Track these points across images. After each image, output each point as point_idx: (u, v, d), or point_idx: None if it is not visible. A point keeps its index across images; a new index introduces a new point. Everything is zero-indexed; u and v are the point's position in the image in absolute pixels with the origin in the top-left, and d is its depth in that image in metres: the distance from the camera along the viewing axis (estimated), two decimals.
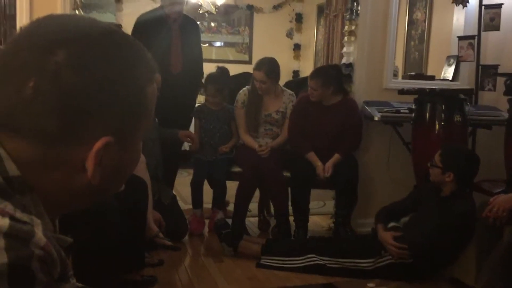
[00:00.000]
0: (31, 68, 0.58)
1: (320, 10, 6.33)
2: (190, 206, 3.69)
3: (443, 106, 3.08)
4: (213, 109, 3.53)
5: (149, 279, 2.52)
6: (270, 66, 3.42)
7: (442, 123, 3.08)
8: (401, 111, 3.39)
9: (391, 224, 2.79)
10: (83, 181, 0.62)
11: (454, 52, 3.87)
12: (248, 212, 3.45)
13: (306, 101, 3.35)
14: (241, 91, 3.55)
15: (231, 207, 3.50)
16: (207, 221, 3.47)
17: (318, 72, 3.37)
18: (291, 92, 3.55)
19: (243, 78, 3.95)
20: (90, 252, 2.10)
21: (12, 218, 0.54)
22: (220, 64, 3.89)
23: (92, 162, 0.60)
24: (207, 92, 3.53)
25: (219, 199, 3.46)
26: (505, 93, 3.08)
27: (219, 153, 3.47)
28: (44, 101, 0.57)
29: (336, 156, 3.24)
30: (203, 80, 3.72)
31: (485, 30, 3.59)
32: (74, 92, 0.58)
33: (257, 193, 3.51)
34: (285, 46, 6.72)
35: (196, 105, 3.78)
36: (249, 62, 6.57)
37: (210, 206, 3.50)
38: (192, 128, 3.72)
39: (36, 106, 0.58)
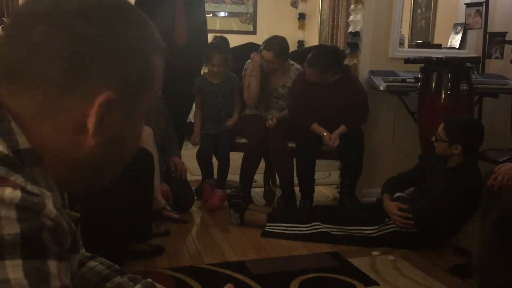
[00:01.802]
0: (42, 15, 0.60)
1: None
2: (196, 177, 3.73)
3: (449, 75, 3.05)
4: (215, 83, 3.44)
5: (157, 249, 2.57)
6: (280, 48, 3.36)
7: (448, 92, 3.05)
8: (407, 80, 3.36)
9: (397, 194, 2.81)
10: (86, 144, 0.63)
11: (462, 19, 3.81)
12: (253, 183, 3.48)
13: (305, 79, 3.28)
14: (250, 60, 3.49)
15: (233, 178, 3.52)
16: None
17: (316, 59, 3.19)
18: (298, 67, 3.49)
19: (247, 48, 3.92)
20: (99, 223, 2.13)
21: (23, 190, 0.54)
22: (224, 35, 3.84)
23: (93, 117, 0.61)
24: (213, 61, 3.38)
25: (222, 175, 3.42)
26: None
27: (224, 126, 3.45)
28: (52, 45, 0.59)
29: (342, 127, 3.23)
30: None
31: None
32: (81, 39, 0.60)
33: (262, 163, 3.53)
34: (290, 15, 6.64)
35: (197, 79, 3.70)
36: (253, 32, 6.50)
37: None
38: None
39: (43, 49, 0.59)
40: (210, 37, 3.76)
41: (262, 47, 3.41)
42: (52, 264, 0.53)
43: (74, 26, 0.60)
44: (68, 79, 0.60)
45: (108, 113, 0.62)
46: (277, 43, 3.37)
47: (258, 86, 3.42)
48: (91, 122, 0.61)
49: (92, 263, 0.93)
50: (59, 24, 0.59)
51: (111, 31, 0.62)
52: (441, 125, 2.71)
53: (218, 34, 3.68)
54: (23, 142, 0.59)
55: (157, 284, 0.95)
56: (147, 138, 2.81)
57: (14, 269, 0.51)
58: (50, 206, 0.55)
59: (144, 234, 2.58)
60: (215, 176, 3.44)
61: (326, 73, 3.20)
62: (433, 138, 2.73)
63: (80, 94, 0.61)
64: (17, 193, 0.53)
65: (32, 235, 0.53)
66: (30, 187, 0.56)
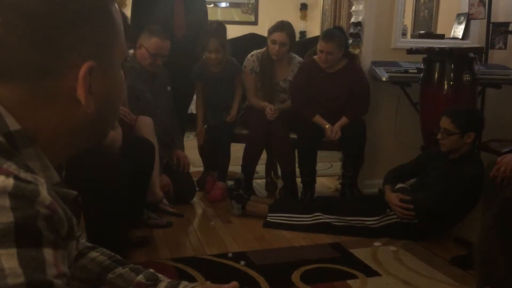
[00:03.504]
0: None
1: None
2: (198, 169, 3.72)
3: (452, 65, 3.03)
4: (214, 72, 3.35)
5: (142, 240, 2.54)
6: (290, 28, 3.37)
7: (451, 83, 3.03)
8: (410, 71, 3.34)
9: (399, 186, 2.80)
10: (79, 113, 0.63)
11: (465, 9, 3.79)
12: (255, 174, 3.47)
13: (310, 68, 3.27)
14: (249, 56, 3.47)
15: (234, 169, 3.52)
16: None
17: (331, 34, 3.20)
18: (300, 60, 3.47)
19: (248, 39, 3.89)
20: (100, 210, 2.14)
21: (16, 177, 0.54)
22: (226, 25, 3.80)
23: (82, 90, 0.61)
24: (210, 47, 3.23)
25: (223, 167, 3.40)
26: None
27: (224, 117, 3.43)
28: (16, 35, 0.58)
29: (343, 119, 3.22)
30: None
31: None
32: (43, 20, 0.59)
33: (264, 155, 3.52)
34: (292, 6, 6.60)
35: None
36: (254, 23, 6.47)
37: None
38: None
39: (8, 42, 0.58)
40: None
41: (271, 31, 3.35)
42: (48, 252, 0.53)
43: (28, 8, 0.58)
44: (44, 62, 0.59)
45: (92, 79, 0.62)
46: (286, 24, 3.36)
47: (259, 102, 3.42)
48: (81, 94, 0.61)
49: (93, 254, 0.92)
50: (14, 11, 0.58)
51: (67, 1, 0.60)
52: (445, 120, 2.65)
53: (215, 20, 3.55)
54: (12, 123, 0.59)
55: (159, 274, 0.95)
56: (148, 129, 2.80)
57: (9, 258, 0.50)
58: (44, 193, 0.54)
59: (136, 222, 2.58)
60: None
61: (342, 49, 3.19)
62: (440, 136, 2.66)
63: (61, 71, 0.60)
64: (10, 181, 0.53)
65: (27, 224, 0.52)
66: (23, 174, 0.55)
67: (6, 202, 0.52)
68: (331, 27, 5.18)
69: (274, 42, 3.33)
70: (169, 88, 3.21)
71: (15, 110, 0.60)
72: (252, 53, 3.48)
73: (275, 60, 3.39)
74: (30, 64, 0.59)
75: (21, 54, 0.58)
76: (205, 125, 3.50)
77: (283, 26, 3.34)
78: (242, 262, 2.34)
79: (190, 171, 3.40)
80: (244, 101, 3.56)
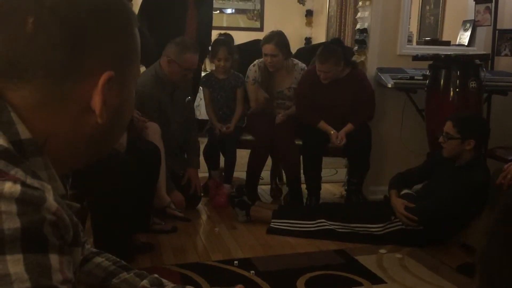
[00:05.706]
0: (28, 6, 0.59)
1: None
2: (203, 174, 3.73)
3: (458, 72, 3.03)
4: (220, 79, 3.45)
5: (147, 245, 2.54)
6: (279, 38, 3.32)
7: (457, 90, 3.03)
8: (415, 77, 3.34)
9: (404, 191, 2.79)
10: (90, 123, 0.63)
11: (471, 16, 3.78)
12: (260, 180, 3.47)
13: (313, 76, 3.25)
14: (251, 66, 3.48)
15: (239, 175, 3.52)
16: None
17: (326, 54, 3.14)
18: (303, 66, 3.46)
19: (254, 45, 3.90)
20: (107, 218, 2.15)
21: (23, 184, 0.54)
22: (231, 32, 3.84)
23: (99, 97, 0.62)
24: (219, 55, 3.37)
25: (229, 170, 3.43)
26: None
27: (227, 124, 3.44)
28: (46, 34, 0.59)
29: (349, 125, 3.21)
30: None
31: None
32: (74, 23, 0.60)
33: (269, 161, 3.52)
34: (297, 12, 6.62)
35: (203, 73, 3.68)
36: (260, 29, 6.48)
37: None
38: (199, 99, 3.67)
39: (38, 40, 0.59)
40: (216, 34, 3.73)
41: (261, 43, 3.36)
42: (54, 258, 0.53)
43: (62, 11, 0.60)
44: (68, 65, 0.60)
45: (108, 92, 0.63)
46: (274, 35, 3.34)
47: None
48: (97, 103, 0.62)
49: (98, 259, 0.93)
50: (47, 13, 0.59)
51: (98, 10, 0.62)
52: (448, 124, 2.66)
53: (223, 31, 3.65)
54: (23, 132, 0.59)
55: (163, 280, 0.95)
56: (155, 134, 2.81)
57: (15, 264, 0.50)
58: (50, 199, 0.55)
59: (143, 224, 2.58)
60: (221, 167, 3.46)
61: (340, 65, 3.16)
62: (441, 139, 2.67)
63: (81, 77, 0.61)
64: (17, 187, 0.53)
65: (33, 229, 0.52)
66: (30, 180, 0.55)
67: (13, 208, 0.52)
68: (329, 40, 5.16)
69: (265, 54, 3.34)
70: (188, 98, 3.21)
71: (28, 115, 0.60)
72: (254, 62, 3.49)
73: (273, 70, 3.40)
74: (54, 65, 0.60)
75: (48, 53, 0.59)
76: (206, 128, 3.53)
77: (271, 38, 3.32)
78: (252, 272, 2.33)
79: None
80: (248, 108, 3.56)
